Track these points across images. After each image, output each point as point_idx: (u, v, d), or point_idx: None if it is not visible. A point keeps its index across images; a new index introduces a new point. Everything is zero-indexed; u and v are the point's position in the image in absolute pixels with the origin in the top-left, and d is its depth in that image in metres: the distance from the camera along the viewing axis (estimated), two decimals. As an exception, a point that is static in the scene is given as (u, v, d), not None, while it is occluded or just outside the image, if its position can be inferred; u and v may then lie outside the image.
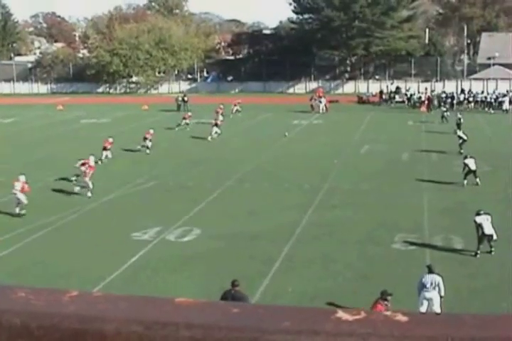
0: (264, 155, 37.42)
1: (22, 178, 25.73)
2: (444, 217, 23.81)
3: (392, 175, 31.35)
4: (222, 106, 49.70)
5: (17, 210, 24.91)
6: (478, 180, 28.21)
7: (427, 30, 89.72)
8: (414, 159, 35.50)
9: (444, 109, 51.64)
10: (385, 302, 13.69)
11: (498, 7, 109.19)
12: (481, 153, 31.99)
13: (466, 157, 28.72)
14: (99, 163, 33.12)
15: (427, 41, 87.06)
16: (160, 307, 1.13)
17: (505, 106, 57.56)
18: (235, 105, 56.37)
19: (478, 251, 19.39)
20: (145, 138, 38.33)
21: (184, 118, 48.22)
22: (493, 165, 32.35)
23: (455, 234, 21.48)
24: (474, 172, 28.20)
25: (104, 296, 1.22)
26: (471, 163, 28.14)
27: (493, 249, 19.46)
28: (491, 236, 19.22)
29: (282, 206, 25.85)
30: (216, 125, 43.61)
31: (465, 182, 28.28)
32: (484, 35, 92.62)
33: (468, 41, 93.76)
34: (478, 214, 19.51)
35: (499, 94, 61.60)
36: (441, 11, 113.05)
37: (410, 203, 26.01)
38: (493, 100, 59.72)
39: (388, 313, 1.03)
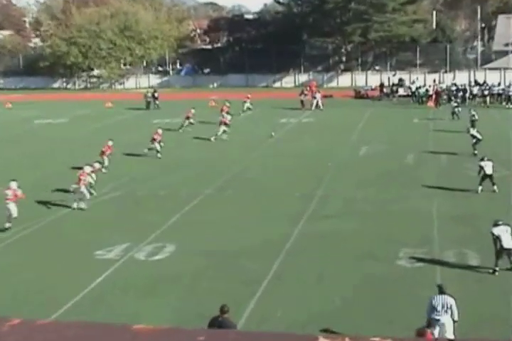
0: (248, 159, 37.44)
1: (13, 185, 25.59)
2: (457, 229, 23.87)
3: (396, 180, 31.43)
4: (228, 104, 49.58)
5: (6, 225, 24.96)
6: (495, 187, 28.28)
7: (434, 12, 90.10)
8: (420, 162, 35.60)
9: (455, 104, 51.79)
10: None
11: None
12: (498, 154, 32.15)
13: (482, 159, 28.75)
14: (103, 170, 33.09)
15: (434, 26, 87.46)
16: (115, 336, 1.11)
17: (525, 100, 57.84)
18: (245, 101, 56.21)
19: (497, 268, 19.43)
20: (153, 140, 38.22)
21: (188, 117, 47.79)
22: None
23: (469, 248, 21.54)
24: (491, 177, 28.26)
25: (49, 324, 1.21)
26: (488, 167, 28.21)
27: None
28: (511, 250, 19.27)
29: (269, 217, 25.85)
30: (225, 124, 43.77)
31: (480, 188, 28.38)
32: (501, 17, 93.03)
33: (483, 25, 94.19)
34: (496, 224, 19.54)
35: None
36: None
37: (417, 212, 26.06)
38: (511, 93, 59.96)
39: (376, 339, 1.03)
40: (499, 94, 60.66)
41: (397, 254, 21.25)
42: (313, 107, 58.49)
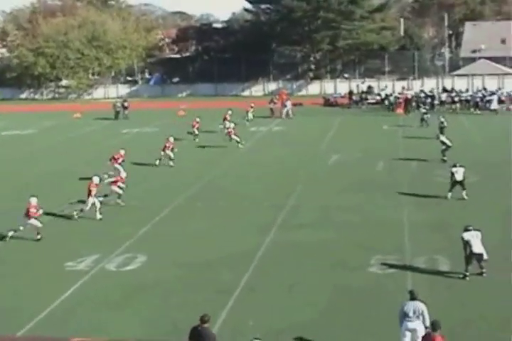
0: (218, 168, 37.45)
1: (33, 201, 25.26)
2: (428, 235, 24.04)
3: (367, 188, 31.55)
4: (230, 113, 49.56)
5: (38, 236, 24.87)
6: (464, 193, 28.50)
7: (402, 20, 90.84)
8: (391, 169, 35.81)
9: (424, 111, 52.18)
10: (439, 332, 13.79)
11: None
12: (467, 160, 32.36)
13: (454, 165, 28.93)
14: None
15: (402, 33, 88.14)
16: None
17: (494, 105, 58.37)
18: (248, 111, 56.09)
19: (467, 273, 19.60)
20: (165, 148, 38.15)
21: (193, 125, 47.54)
22: (482, 174, 32.81)
23: (440, 254, 21.66)
24: (461, 183, 28.48)
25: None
26: (459, 173, 28.41)
27: (484, 271, 19.69)
28: (481, 255, 19.43)
29: (241, 226, 25.87)
30: (235, 135, 43.94)
31: (449, 194, 28.63)
32: (468, 24, 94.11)
33: (450, 32, 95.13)
34: (466, 230, 19.71)
35: (486, 92, 62.55)
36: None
37: (389, 220, 26.20)
38: (479, 99, 60.58)
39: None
40: (467, 101, 61.25)
41: (369, 262, 21.32)
42: (284, 115, 58.68)
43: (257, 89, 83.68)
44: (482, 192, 29.38)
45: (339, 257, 21.94)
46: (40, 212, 25.32)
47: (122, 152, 35.63)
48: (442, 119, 43.86)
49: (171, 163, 37.84)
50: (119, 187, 29.60)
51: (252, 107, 56.04)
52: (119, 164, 34.73)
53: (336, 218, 26.67)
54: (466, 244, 19.50)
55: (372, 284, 19.63)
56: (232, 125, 45.23)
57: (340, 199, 29.61)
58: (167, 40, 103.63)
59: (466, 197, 28.52)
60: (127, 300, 19.20)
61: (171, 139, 38.89)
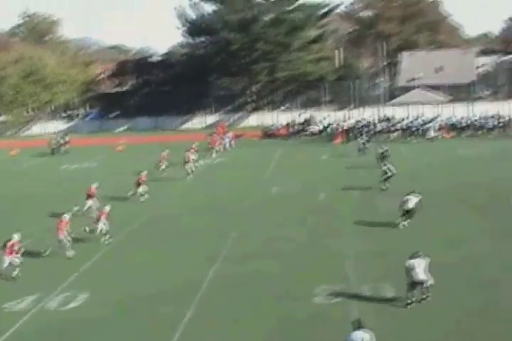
0: (160, 200, 37.24)
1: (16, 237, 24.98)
2: (371, 263, 24.14)
3: (310, 218, 31.63)
4: (194, 146, 49.26)
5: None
6: (406, 222, 28.73)
7: (339, 50, 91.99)
8: (333, 199, 35.94)
9: (363, 140, 52.76)
10: None
11: (417, 22, 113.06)
12: (408, 189, 32.63)
13: (409, 193, 29.26)
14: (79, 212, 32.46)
15: (339, 63, 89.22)
16: None
17: (430, 133, 59.41)
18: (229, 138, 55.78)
19: (409, 300, 19.70)
20: (138, 184, 37.48)
21: (159, 160, 46.94)
22: (424, 202, 33.07)
23: (385, 282, 21.73)
24: (409, 211, 28.74)
25: None
26: (410, 201, 28.73)
27: (424, 296, 19.85)
28: (424, 282, 19.57)
29: (185, 258, 25.70)
30: (189, 166, 44.22)
31: (401, 222, 28.81)
32: (405, 54, 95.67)
33: (387, 62, 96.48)
34: (411, 257, 19.92)
35: (423, 120, 63.53)
36: (354, 28, 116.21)
37: (332, 249, 26.25)
38: (415, 128, 61.50)
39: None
40: (405, 129, 62.09)
41: (314, 292, 21.30)
42: (224, 148, 58.74)
43: (197, 122, 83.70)
44: (425, 220, 29.60)
45: (284, 288, 21.88)
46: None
47: (94, 186, 35.15)
48: (384, 148, 44.39)
49: (142, 199, 37.29)
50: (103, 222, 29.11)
51: (195, 150, 56.10)
52: (90, 199, 34.26)
53: (280, 249, 26.63)
54: (410, 271, 19.65)
55: (318, 314, 19.60)
56: (193, 156, 45.40)
57: (284, 229, 29.60)
58: (105, 74, 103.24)
59: (405, 224, 28.75)
60: (68, 338, 18.86)
61: (144, 174, 38.39)
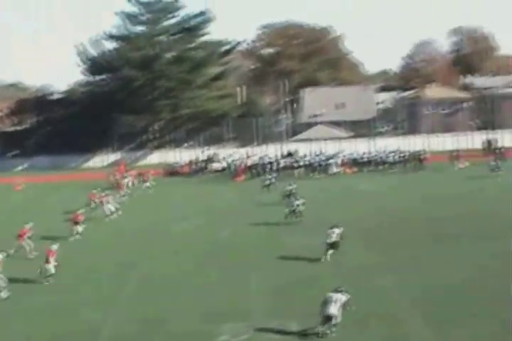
0: (60, 242, 36.20)
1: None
2: (278, 299, 23.80)
3: (214, 256, 31.16)
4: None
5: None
6: (328, 256, 28.60)
7: (242, 87, 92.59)
8: (239, 235, 35.50)
9: (270, 177, 52.79)
10: None
11: (318, 59, 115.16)
12: (314, 222, 32.72)
13: (332, 227, 29.23)
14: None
15: (242, 100, 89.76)
16: None
17: (332, 169, 60.02)
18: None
19: (321, 334, 19.61)
20: (20, 237, 34.42)
21: (91, 198, 45.64)
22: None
23: (291, 318, 21.40)
24: (332, 245, 28.68)
25: None
26: (331, 235, 28.71)
27: (329, 331, 19.65)
28: (333, 316, 19.45)
29: (81, 302, 24.88)
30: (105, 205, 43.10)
31: (324, 256, 28.69)
32: (307, 90, 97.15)
33: (290, 98, 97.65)
34: (334, 290, 20.09)
35: (325, 156, 64.12)
36: (256, 65, 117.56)
37: (238, 287, 25.80)
38: (317, 164, 61.95)
39: None
40: (307, 165, 62.44)
41: (219, 331, 20.80)
42: (127, 187, 57.85)
43: (98, 161, 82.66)
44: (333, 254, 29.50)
45: (189, 328, 21.34)
46: None
47: (28, 226, 33.89)
48: (294, 186, 44.43)
49: (31, 256, 35.84)
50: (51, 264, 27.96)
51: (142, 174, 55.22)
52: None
53: (183, 288, 26.07)
54: (325, 303, 19.68)
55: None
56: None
57: (187, 268, 29.08)
58: (4, 112, 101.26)
59: (328, 258, 28.57)
60: None
61: (27, 227, 36.38)
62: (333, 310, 19.62)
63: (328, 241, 28.82)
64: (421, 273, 26.22)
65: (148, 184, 56.22)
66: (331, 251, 28.74)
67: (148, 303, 24.49)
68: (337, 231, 29.05)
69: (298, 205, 37.38)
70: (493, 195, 44.24)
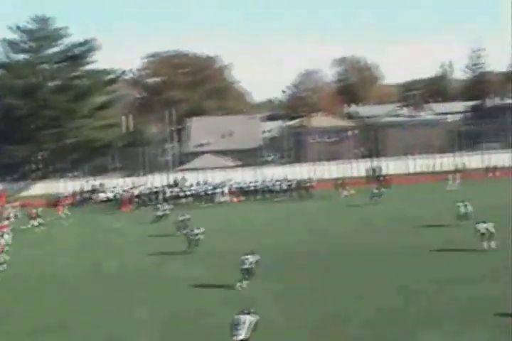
0: None
1: None
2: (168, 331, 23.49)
3: (96, 288, 30.51)
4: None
5: None
6: (245, 283, 28.26)
7: (128, 116, 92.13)
8: (129, 268, 34.63)
9: (165, 207, 52.23)
10: None
11: (204, 88, 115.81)
12: (207, 250, 32.26)
13: (247, 253, 28.67)
14: None
15: (128, 129, 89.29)
16: None
17: (219, 198, 60.21)
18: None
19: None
20: None
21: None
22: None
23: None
24: (248, 271, 28.33)
25: None
26: (248, 261, 28.31)
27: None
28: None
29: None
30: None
31: (238, 284, 28.34)
32: (194, 120, 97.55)
33: (177, 127, 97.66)
34: (241, 312, 19.55)
35: (211, 185, 64.25)
36: (142, 95, 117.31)
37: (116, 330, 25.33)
38: (204, 193, 62.00)
39: None
40: (194, 194, 62.39)
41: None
42: (7, 219, 56.38)
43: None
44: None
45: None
46: None
47: None
48: (187, 216, 43.75)
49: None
50: None
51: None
52: None
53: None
54: (232, 326, 19.17)
55: None
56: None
57: (79, 309, 28.19)
58: None
59: (245, 285, 28.34)
60: None
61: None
62: (243, 333, 18.92)
63: (244, 266, 28.52)
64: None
65: (35, 222, 53.75)
66: (245, 282, 28.40)
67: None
68: (252, 258, 28.55)
69: (197, 234, 37.06)
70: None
